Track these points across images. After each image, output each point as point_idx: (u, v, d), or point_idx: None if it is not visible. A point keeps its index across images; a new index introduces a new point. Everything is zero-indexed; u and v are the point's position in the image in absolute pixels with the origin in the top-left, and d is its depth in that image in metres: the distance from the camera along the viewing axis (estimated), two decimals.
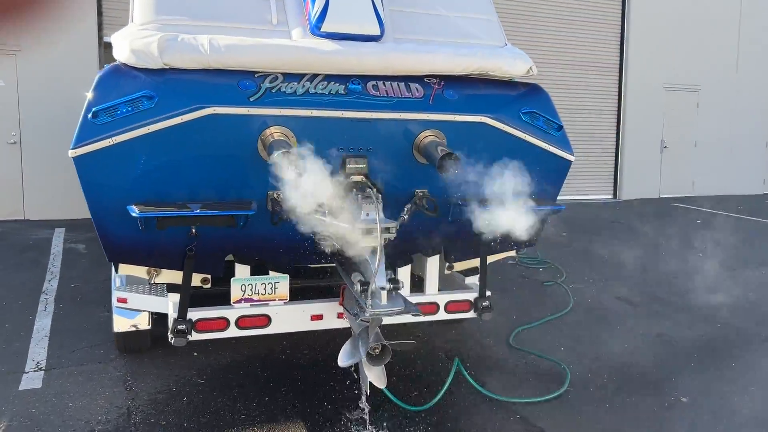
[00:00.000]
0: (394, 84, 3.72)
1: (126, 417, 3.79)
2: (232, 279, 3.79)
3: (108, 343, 4.82)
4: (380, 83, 3.68)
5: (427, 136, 3.72)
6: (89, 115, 3.23)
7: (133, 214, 3.15)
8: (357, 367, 3.70)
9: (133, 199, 3.29)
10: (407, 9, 4.05)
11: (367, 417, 3.73)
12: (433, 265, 4.31)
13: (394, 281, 3.32)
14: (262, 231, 3.63)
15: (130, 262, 3.67)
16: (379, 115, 3.64)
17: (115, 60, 3.53)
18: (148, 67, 3.37)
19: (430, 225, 3.95)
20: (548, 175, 4.03)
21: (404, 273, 4.19)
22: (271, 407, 3.95)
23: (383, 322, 3.43)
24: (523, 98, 4.01)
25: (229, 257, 3.85)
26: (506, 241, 4.24)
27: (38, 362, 4.52)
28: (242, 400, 4.02)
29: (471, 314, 4.29)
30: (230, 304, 3.78)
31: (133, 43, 3.37)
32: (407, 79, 3.77)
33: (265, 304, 3.84)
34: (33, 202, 9.72)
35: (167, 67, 3.38)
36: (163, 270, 3.75)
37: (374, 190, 3.57)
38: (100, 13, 9.91)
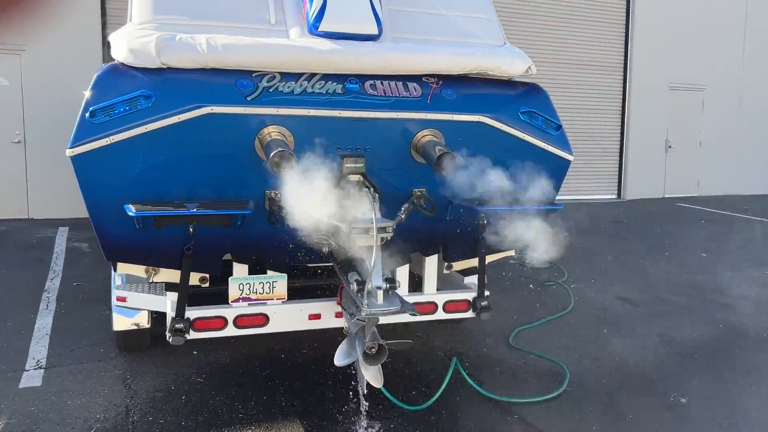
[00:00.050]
0: (392, 83, 3.72)
1: (124, 415, 3.80)
2: (230, 278, 3.80)
3: (108, 341, 4.83)
4: (378, 82, 3.68)
5: (424, 136, 3.72)
6: (87, 115, 3.25)
7: (130, 213, 3.16)
8: (355, 366, 3.70)
9: (130, 198, 3.30)
10: (406, 8, 4.05)
11: (364, 416, 3.73)
12: (431, 264, 4.31)
13: (390, 281, 3.32)
14: (260, 230, 3.63)
15: (128, 261, 3.68)
16: (377, 114, 3.64)
17: (114, 59, 3.55)
18: (145, 66, 3.38)
19: (428, 224, 3.95)
20: (547, 174, 4.01)
21: (403, 272, 4.19)
22: (269, 406, 3.96)
23: (380, 322, 3.43)
24: (521, 98, 4.01)
25: (227, 256, 3.86)
26: (504, 241, 4.24)
27: (38, 360, 4.54)
28: (240, 399, 4.03)
29: (469, 314, 4.29)
30: (228, 303, 3.79)
31: (130, 43, 3.38)
32: (405, 78, 3.77)
33: (263, 303, 3.85)
34: (37, 201, 9.77)
35: (165, 67, 3.40)
36: (161, 269, 3.76)
37: (371, 189, 3.58)
38: (103, 13, 9.94)
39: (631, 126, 14.32)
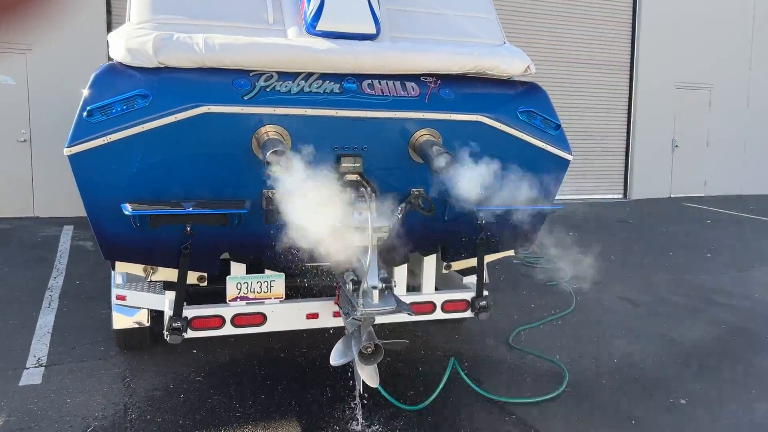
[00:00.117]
0: (390, 83, 3.71)
1: (122, 414, 3.82)
2: (227, 277, 3.80)
3: (109, 340, 4.85)
4: (375, 82, 3.68)
5: (422, 135, 3.72)
6: (84, 114, 3.27)
7: (126, 213, 3.17)
8: (352, 365, 3.70)
9: (128, 197, 3.31)
10: (404, 7, 4.05)
11: (360, 416, 3.73)
12: (429, 264, 4.31)
13: (386, 280, 3.31)
14: (257, 229, 3.63)
15: (126, 260, 3.69)
16: (375, 113, 3.63)
17: (112, 59, 3.57)
18: (143, 66, 3.40)
19: (426, 224, 3.94)
20: (546, 174, 4.01)
21: (401, 272, 4.19)
22: (267, 405, 3.97)
23: (376, 322, 3.43)
24: (520, 97, 4.00)
25: (225, 255, 3.87)
26: (503, 241, 4.24)
27: (39, 358, 4.56)
28: (238, 398, 4.04)
29: (468, 314, 4.28)
30: (226, 302, 3.80)
31: (128, 42, 3.39)
32: (403, 77, 3.76)
33: (261, 302, 3.85)
34: (42, 200, 9.82)
35: (162, 66, 3.41)
36: (159, 268, 3.77)
37: (368, 189, 3.57)
38: (109, 12, 9.98)
39: (637, 125, 14.25)
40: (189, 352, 4.69)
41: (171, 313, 3.65)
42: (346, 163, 3.64)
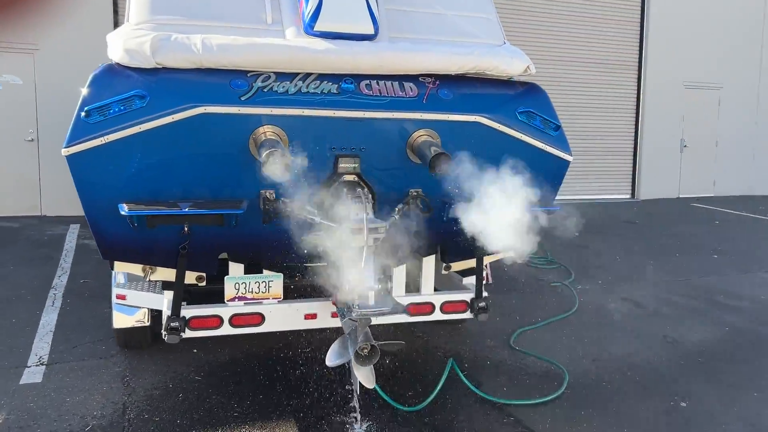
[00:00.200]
0: (388, 83, 3.70)
1: (121, 413, 3.83)
2: (225, 277, 3.81)
3: (110, 338, 4.87)
4: (373, 82, 3.67)
5: (420, 136, 3.71)
6: (82, 114, 3.28)
7: (123, 213, 3.18)
8: (349, 366, 3.70)
9: (125, 197, 3.32)
10: (403, 8, 4.03)
11: (358, 416, 3.73)
12: (428, 265, 4.29)
13: (382, 282, 3.31)
14: (255, 229, 3.64)
15: (124, 260, 3.71)
16: (372, 114, 3.62)
17: (110, 60, 3.58)
18: (141, 66, 3.40)
19: (425, 225, 3.93)
20: (545, 175, 3.98)
21: (400, 273, 4.18)
22: (265, 406, 3.97)
23: (372, 323, 3.42)
24: (519, 97, 3.97)
25: (223, 255, 3.87)
26: (502, 242, 4.21)
27: (41, 357, 4.59)
28: (236, 398, 4.05)
29: (467, 315, 4.27)
30: (224, 302, 3.80)
31: (126, 43, 3.40)
32: (401, 78, 3.75)
33: (259, 302, 3.85)
34: (49, 199, 9.88)
35: (160, 67, 3.41)
36: (157, 268, 3.78)
37: (365, 189, 3.57)
38: (115, 11, 10.02)
39: (645, 125, 14.17)
40: (189, 351, 4.70)
41: (169, 312, 3.66)
42: (344, 164, 3.63)
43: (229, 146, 3.46)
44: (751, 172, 15.38)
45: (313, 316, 3.96)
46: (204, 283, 3.93)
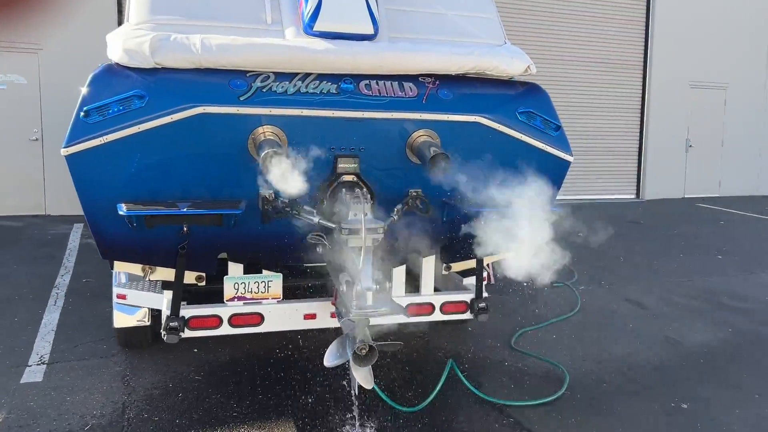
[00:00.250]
0: (387, 83, 3.70)
1: (120, 412, 3.84)
2: (225, 277, 3.81)
3: (112, 338, 4.88)
4: (373, 82, 3.67)
5: (420, 136, 3.70)
6: (81, 114, 3.29)
7: (121, 213, 3.18)
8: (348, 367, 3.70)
9: (124, 197, 3.32)
10: (403, 7, 4.02)
11: (356, 417, 3.73)
12: (428, 265, 4.28)
13: (380, 282, 3.30)
14: (254, 230, 3.64)
15: (124, 260, 3.71)
16: (372, 114, 3.62)
17: (110, 60, 3.58)
18: (140, 66, 3.40)
19: (425, 225, 3.92)
20: (546, 175, 3.96)
21: (400, 273, 4.17)
22: (264, 406, 3.97)
23: (372, 323, 3.41)
24: (520, 98, 3.96)
25: (223, 255, 3.88)
26: (501, 243, 4.20)
27: (42, 356, 4.60)
28: (236, 398, 4.05)
29: (467, 315, 4.25)
30: (224, 302, 3.80)
31: (125, 43, 3.41)
32: (401, 78, 3.75)
33: (258, 302, 3.85)
34: (54, 198, 9.91)
35: (159, 67, 3.41)
36: (157, 267, 3.79)
37: (364, 189, 3.56)
38: (120, 11, 10.04)
39: (650, 125, 14.11)
40: (190, 351, 4.71)
41: (168, 312, 3.66)
42: (343, 164, 3.63)
43: (228, 146, 3.46)
44: (757, 172, 15.30)
45: (313, 316, 3.96)
46: (204, 283, 3.93)
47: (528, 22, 12.56)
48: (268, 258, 3.88)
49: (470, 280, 4.51)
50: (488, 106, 3.83)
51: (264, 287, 3.85)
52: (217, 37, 3.48)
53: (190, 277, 3.81)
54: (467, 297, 4.23)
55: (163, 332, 3.66)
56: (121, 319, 4.46)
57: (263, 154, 3.16)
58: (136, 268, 3.80)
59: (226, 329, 3.81)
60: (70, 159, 3.30)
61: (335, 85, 3.59)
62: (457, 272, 4.57)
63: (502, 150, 3.82)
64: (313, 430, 3.71)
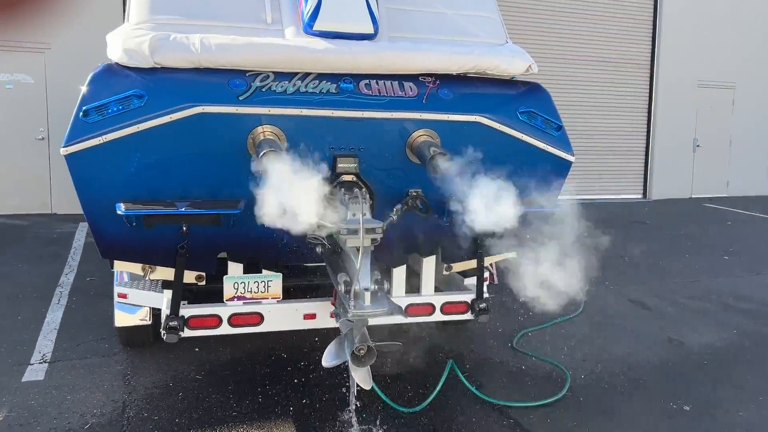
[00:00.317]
0: (387, 83, 3.68)
1: (120, 411, 3.85)
2: (224, 277, 3.80)
3: (114, 337, 4.89)
4: (373, 82, 3.65)
5: (420, 136, 3.68)
6: (80, 114, 3.29)
7: (119, 212, 3.19)
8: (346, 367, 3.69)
9: (124, 196, 3.33)
10: (403, 7, 4.00)
11: (354, 417, 3.72)
12: (429, 265, 4.27)
13: (379, 282, 3.29)
14: (253, 229, 3.62)
15: (124, 259, 3.72)
16: (371, 114, 3.61)
17: (110, 59, 3.59)
18: (139, 66, 3.40)
19: (425, 225, 3.91)
20: (547, 175, 3.95)
21: (400, 273, 4.16)
22: (264, 406, 3.97)
23: (371, 324, 3.40)
24: (521, 97, 3.94)
25: (222, 255, 3.87)
26: (503, 243, 4.18)
27: (44, 355, 4.62)
28: (236, 398, 4.05)
29: (468, 316, 4.24)
30: (223, 302, 3.80)
31: (125, 43, 3.41)
32: (401, 78, 3.73)
33: (258, 302, 3.85)
34: (60, 197, 9.95)
35: (158, 66, 3.41)
36: (157, 267, 3.79)
37: (363, 189, 3.55)
38: (125, 11, 10.06)
39: (657, 124, 14.04)
40: (191, 350, 4.71)
41: (168, 311, 3.67)
42: (342, 164, 3.62)
43: (227, 146, 3.45)
44: (765, 172, 15.20)
45: (313, 316, 3.95)
46: (204, 283, 3.93)
47: (530, 20, 12.51)
48: (267, 258, 3.88)
49: (471, 281, 4.49)
50: (489, 105, 3.81)
51: (264, 287, 3.85)
52: (216, 37, 3.47)
53: (189, 276, 3.81)
54: (468, 297, 4.21)
55: (162, 331, 3.66)
56: (123, 318, 4.48)
57: (261, 154, 3.16)
58: (136, 268, 3.80)
59: (225, 329, 3.81)
60: (70, 158, 3.31)
61: (335, 85, 3.58)
62: (458, 272, 4.55)
63: (503, 150, 3.80)
64: (313, 430, 3.70)
